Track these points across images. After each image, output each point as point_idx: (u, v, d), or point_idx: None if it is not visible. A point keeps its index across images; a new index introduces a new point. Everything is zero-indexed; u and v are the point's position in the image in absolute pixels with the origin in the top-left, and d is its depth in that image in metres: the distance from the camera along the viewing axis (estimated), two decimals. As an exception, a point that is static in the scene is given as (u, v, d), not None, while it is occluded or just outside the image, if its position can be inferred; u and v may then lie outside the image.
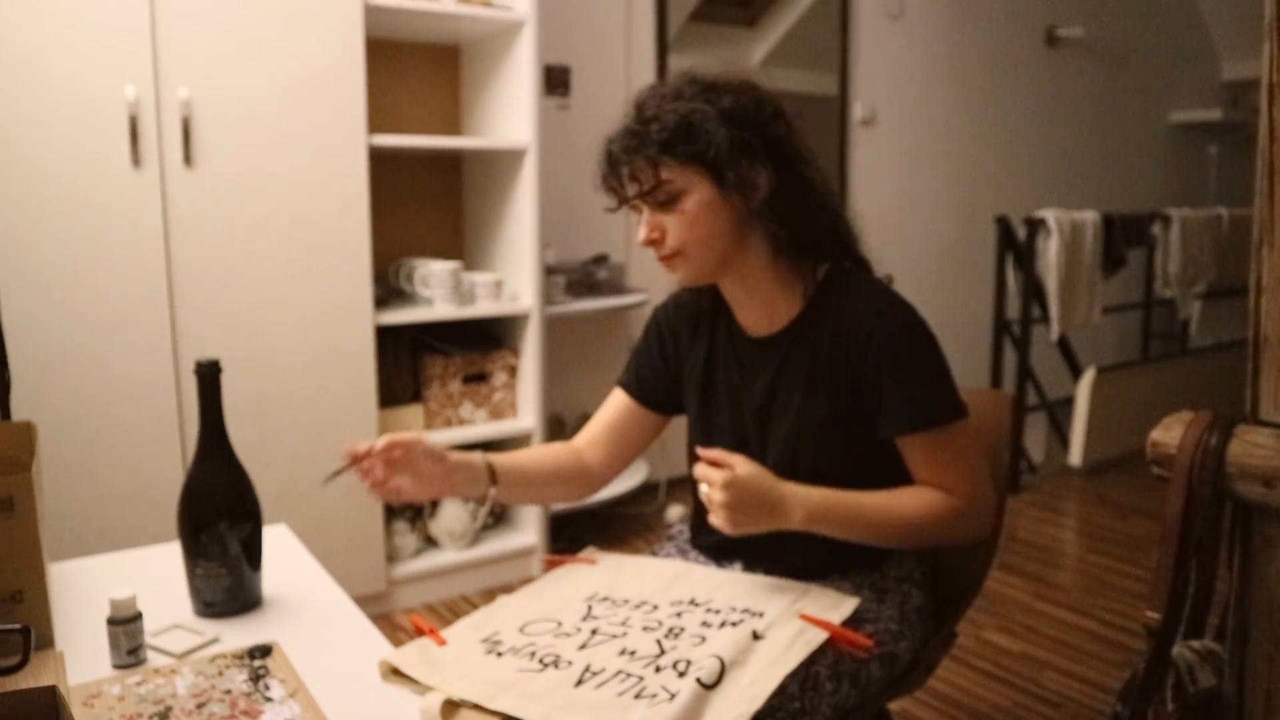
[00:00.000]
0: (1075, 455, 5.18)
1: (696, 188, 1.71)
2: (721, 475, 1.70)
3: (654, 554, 2.07)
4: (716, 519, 1.71)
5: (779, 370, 1.83)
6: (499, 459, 1.95)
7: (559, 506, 4.02)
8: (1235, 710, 1.48)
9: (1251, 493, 1.39)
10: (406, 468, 1.75)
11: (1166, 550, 1.47)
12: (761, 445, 1.86)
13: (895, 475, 1.84)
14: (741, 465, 1.70)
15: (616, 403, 2.07)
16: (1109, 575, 3.94)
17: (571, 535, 4.17)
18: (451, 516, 3.74)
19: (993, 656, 3.27)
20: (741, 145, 1.71)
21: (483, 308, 3.70)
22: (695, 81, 1.75)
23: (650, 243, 1.78)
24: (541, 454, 2.05)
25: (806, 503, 1.71)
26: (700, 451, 1.77)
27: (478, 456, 1.91)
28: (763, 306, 1.84)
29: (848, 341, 1.75)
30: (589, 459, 2.05)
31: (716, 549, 1.96)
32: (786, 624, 1.61)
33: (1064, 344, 5.28)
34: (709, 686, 1.41)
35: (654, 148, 1.70)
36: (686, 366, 1.99)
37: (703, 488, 1.74)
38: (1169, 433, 1.49)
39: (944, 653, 2.03)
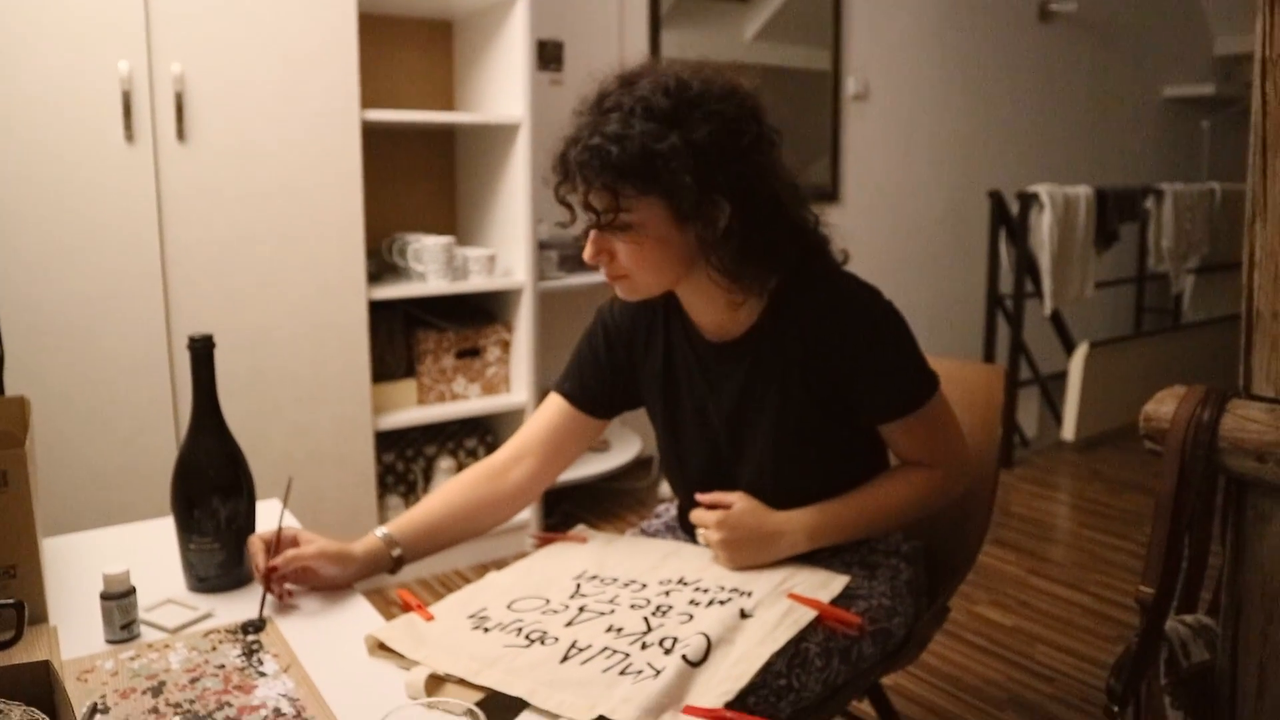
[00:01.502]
0: (1068, 430, 5.19)
1: (653, 219, 1.64)
2: (715, 516, 1.73)
3: (642, 531, 2.08)
4: (718, 559, 1.75)
5: (749, 374, 1.78)
6: (400, 528, 1.83)
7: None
8: (1228, 685, 1.49)
9: (1244, 467, 1.39)
10: (309, 577, 1.69)
11: (1159, 525, 1.47)
12: (735, 450, 1.84)
13: (874, 451, 1.88)
14: (738, 503, 1.76)
15: (555, 411, 1.97)
16: (1102, 550, 3.95)
17: (565, 511, 4.18)
18: (445, 492, 3.73)
19: (986, 631, 3.27)
20: (707, 182, 1.61)
21: (476, 282, 3.70)
22: (672, 94, 1.62)
23: (595, 261, 1.70)
24: (448, 498, 1.91)
25: (804, 526, 1.77)
26: (699, 497, 1.82)
27: (379, 537, 1.80)
28: (721, 314, 1.78)
29: (820, 338, 1.72)
30: (513, 476, 1.94)
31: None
32: (775, 603, 1.61)
33: (1057, 319, 5.29)
34: (695, 664, 1.41)
35: (612, 174, 1.60)
36: (643, 372, 1.93)
37: (700, 531, 1.79)
38: (1162, 407, 1.49)
39: (937, 628, 2.04)
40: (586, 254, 1.70)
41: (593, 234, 1.68)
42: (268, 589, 1.62)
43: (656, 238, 1.65)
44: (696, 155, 1.59)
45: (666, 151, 1.58)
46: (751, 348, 1.77)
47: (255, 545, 1.67)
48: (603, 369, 1.94)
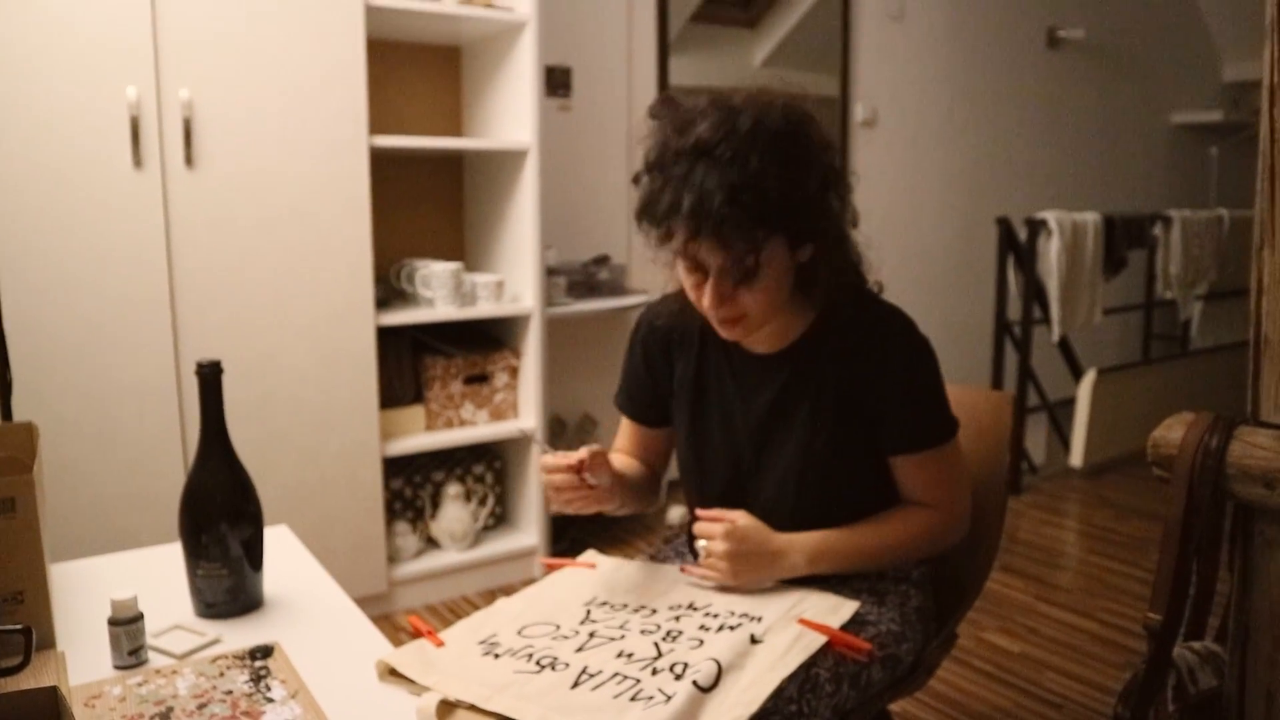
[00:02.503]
0: (1076, 456, 5.18)
1: (776, 257, 1.65)
2: (721, 527, 1.74)
3: (652, 558, 2.07)
4: (718, 572, 1.76)
5: (783, 388, 1.81)
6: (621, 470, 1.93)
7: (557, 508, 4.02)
8: (1236, 712, 1.48)
9: (1252, 494, 1.39)
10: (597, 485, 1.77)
11: (1167, 551, 1.47)
12: (758, 464, 1.85)
13: (890, 488, 1.87)
14: (741, 518, 1.77)
15: (626, 425, 2.06)
16: (1110, 576, 3.94)
17: (573, 536, 4.17)
18: (452, 518, 3.74)
19: (993, 658, 3.26)
20: (822, 206, 1.67)
21: (484, 308, 3.70)
22: (784, 133, 1.61)
23: (718, 311, 1.68)
24: (637, 465, 2.04)
25: (806, 548, 1.78)
26: (699, 512, 1.82)
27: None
28: (775, 327, 1.80)
29: (857, 360, 1.75)
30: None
31: None
32: (785, 628, 1.61)
33: (1065, 345, 5.28)
34: (705, 689, 1.41)
35: (753, 223, 1.57)
36: (675, 383, 1.95)
37: (701, 543, 1.79)
38: (1170, 434, 1.50)
39: (945, 654, 2.03)
40: (706, 302, 1.67)
41: (713, 283, 1.65)
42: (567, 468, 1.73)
43: (779, 273, 1.67)
44: (823, 189, 1.67)
45: (802, 194, 1.61)
46: (790, 361, 1.81)
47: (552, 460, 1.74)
48: (644, 379, 1.99)
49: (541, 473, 1.77)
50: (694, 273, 1.68)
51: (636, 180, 1.73)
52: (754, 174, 1.56)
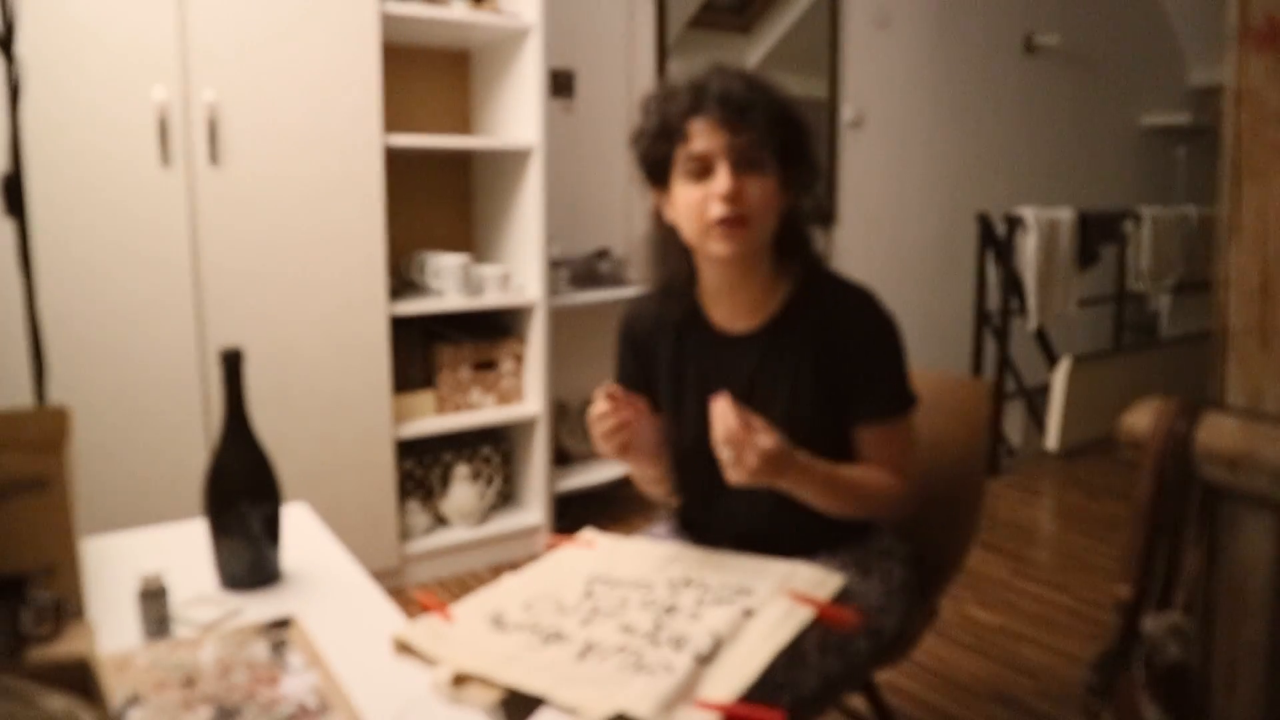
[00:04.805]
0: (1052, 440, 5.18)
1: (770, 172, 1.70)
2: (753, 457, 1.57)
3: (648, 534, 2.06)
4: (735, 475, 1.60)
5: (759, 365, 1.81)
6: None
7: (563, 487, 4.04)
8: (1201, 681, 1.49)
9: (1217, 475, 1.40)
10: (638, 430, 1.76)
11: (1137, 530, 1.48)
12: None
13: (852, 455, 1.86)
14: (765, 439, 1.59)
15: None
16: (1083, 553, 3.94)
17: (575, 515, 4.17)
18: (461, 497, 3.75)
19: (973, 630, 3.27)
20: (807, 156, 1.77)
21: (491, 298, 3.70)
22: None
23: (729, 198, 1.66)
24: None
25: (799, 463, 1.67)
26: (721, 407, 1.61)
27: None
28: (753, 299, 1.81)
29: (834, 334, 1.75)
30: None
31: (705, 531, 1.95)
32: (776, 602, 1.60)
33: (1041, 335, 5.28)
34: (704, 660, 1.41)
35: (767, 116, 1.68)
36: (658, 369, 1.95)
37: (726, 452, 1.60)
38: (1140, 418, 1.50)
39: (926, 626, 2.03)
40: (721, 185, 1.67)
41: (726, 171, 1.67)
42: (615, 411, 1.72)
43: (773, 185, 1.71)
44: (810, 137, 1.79)
45: (805, 126, 1.76)
46: (765, 338, 1.81)
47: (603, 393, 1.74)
48: (635, 368, 1.99)
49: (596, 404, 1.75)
50: (700, 180, 1.70)
51: (637, 138, 1.80)
52: (764, 82, 1.73)
